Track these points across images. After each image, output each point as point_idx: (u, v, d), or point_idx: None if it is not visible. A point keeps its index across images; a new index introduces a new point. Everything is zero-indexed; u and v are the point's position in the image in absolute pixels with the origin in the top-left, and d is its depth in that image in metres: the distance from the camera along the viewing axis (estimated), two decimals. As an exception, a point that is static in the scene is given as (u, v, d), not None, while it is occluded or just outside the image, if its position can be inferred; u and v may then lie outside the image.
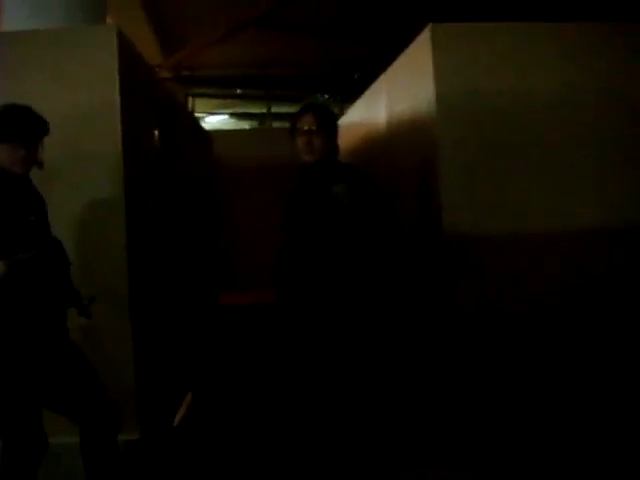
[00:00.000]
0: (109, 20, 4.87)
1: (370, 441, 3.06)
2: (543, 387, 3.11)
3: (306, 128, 2.84)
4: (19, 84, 2.97)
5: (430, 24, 3.18)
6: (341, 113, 7.10)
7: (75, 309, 2.49)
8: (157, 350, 3.49)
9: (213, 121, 12.19)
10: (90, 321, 2.79)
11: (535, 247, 3.14)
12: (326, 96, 11.08)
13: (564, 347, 3.12)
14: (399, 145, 3.90)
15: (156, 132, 3.78)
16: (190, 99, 10.10)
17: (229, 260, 7.65)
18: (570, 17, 3.52)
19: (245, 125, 12.43)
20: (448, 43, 3.16)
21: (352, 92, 7.47)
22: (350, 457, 2.85)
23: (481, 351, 3.08)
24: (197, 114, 11.18)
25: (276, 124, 10.78)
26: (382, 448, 3.13)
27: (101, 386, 2.47)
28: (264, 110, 10.92)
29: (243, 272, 7.46)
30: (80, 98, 3.01)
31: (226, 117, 12.14)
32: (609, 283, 3.17)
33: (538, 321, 3.11)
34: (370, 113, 4.78)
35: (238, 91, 10.31)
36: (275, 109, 10.92)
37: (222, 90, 10.31)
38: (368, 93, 4.94)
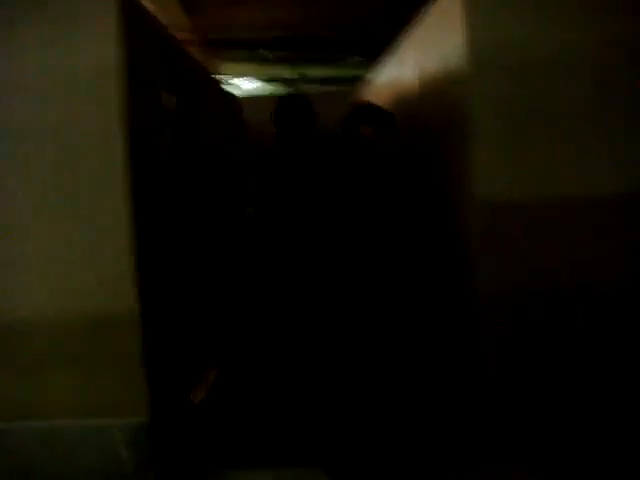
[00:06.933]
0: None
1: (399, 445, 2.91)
2: (595, 383, 2.78)
3: None
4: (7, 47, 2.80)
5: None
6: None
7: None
8: (173, 329, 3.32)
9: (244, 86, 11.92)
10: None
11: (575, 218, 2.80)
12: (360, 58, 10.69)
13: (611, 336, 2.79)
14: (430, 104, 3.60)
15: (172, 99, 3.52)
16: (218, 63, 9.81)
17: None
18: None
19: (277, 90, 12.13)
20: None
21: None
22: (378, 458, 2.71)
23: (509, 340, 2.78)
24: (226, 79, 10.93)
25: (308, 87, 10.45)
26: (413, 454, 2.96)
27: None
28: (295, 74, 10.60)
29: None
30: (78, 62, 2.78)
31: (257, 82, 11.86)
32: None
33: (574, 305, 2.78)
34: (398, 71, 4.47)
35: (269, 55, 9.98)
36: (308, 72, 10.57)
37: (252, 53, 10.00)
38: (396, 50, 4.61)
